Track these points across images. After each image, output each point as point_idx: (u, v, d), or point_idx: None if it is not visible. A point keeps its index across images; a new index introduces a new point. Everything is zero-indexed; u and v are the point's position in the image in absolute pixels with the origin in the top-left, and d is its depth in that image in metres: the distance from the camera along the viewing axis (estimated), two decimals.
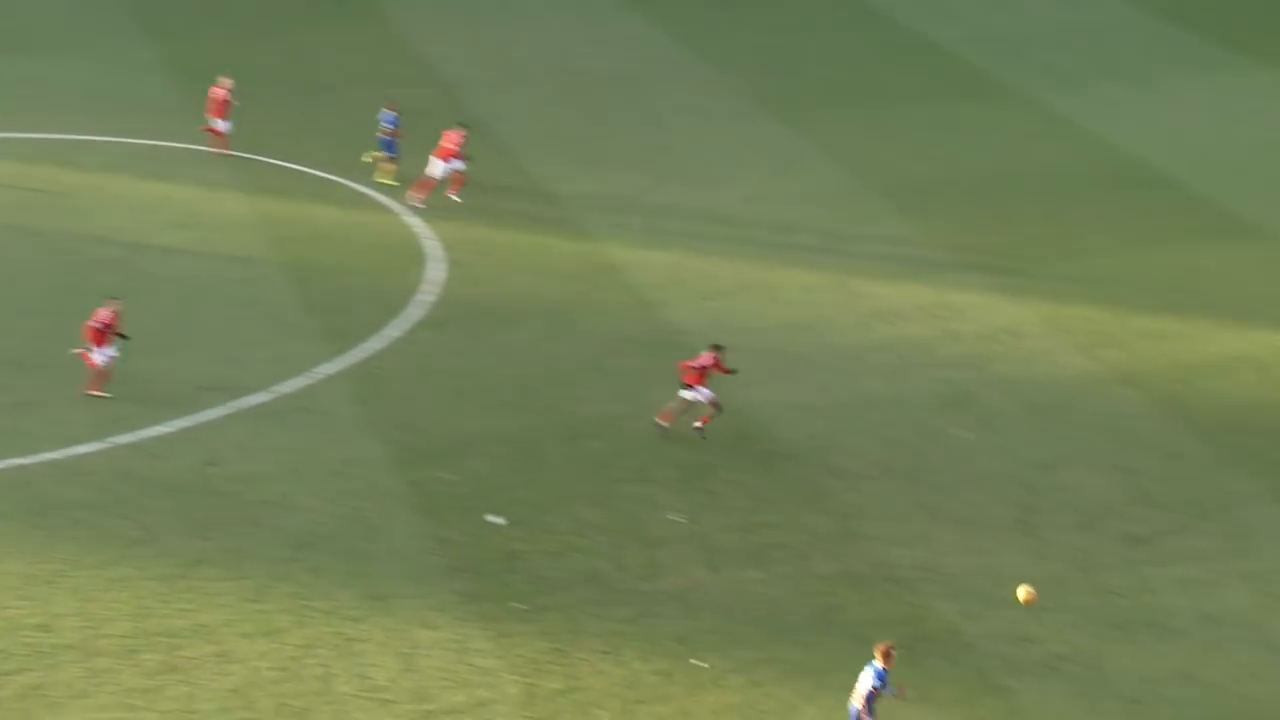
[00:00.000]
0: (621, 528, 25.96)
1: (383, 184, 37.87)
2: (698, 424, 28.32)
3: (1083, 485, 27.18)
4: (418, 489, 26.82)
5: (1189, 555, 25.10)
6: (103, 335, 28.75)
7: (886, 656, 20.63)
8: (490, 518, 26.12)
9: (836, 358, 31.29)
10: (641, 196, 38.28)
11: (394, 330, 31.97)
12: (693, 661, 23.01)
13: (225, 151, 39.23)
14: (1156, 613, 23.88)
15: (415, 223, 36.53)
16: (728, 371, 28.35)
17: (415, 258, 34.94)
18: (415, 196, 37.12)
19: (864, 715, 20.60)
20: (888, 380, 30.20)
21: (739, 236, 36.45)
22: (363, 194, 37.81)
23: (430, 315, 32.63)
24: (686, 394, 28.13)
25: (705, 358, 28.29)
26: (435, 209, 36.82)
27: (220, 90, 39.18)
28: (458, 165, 37.17)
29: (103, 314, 28.93)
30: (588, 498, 26.70)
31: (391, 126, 38.35)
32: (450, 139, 37.18)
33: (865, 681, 20.63)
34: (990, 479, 27.43)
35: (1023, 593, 21.13)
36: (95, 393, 28.74)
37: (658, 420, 28.36)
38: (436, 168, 37.03)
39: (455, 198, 37.25)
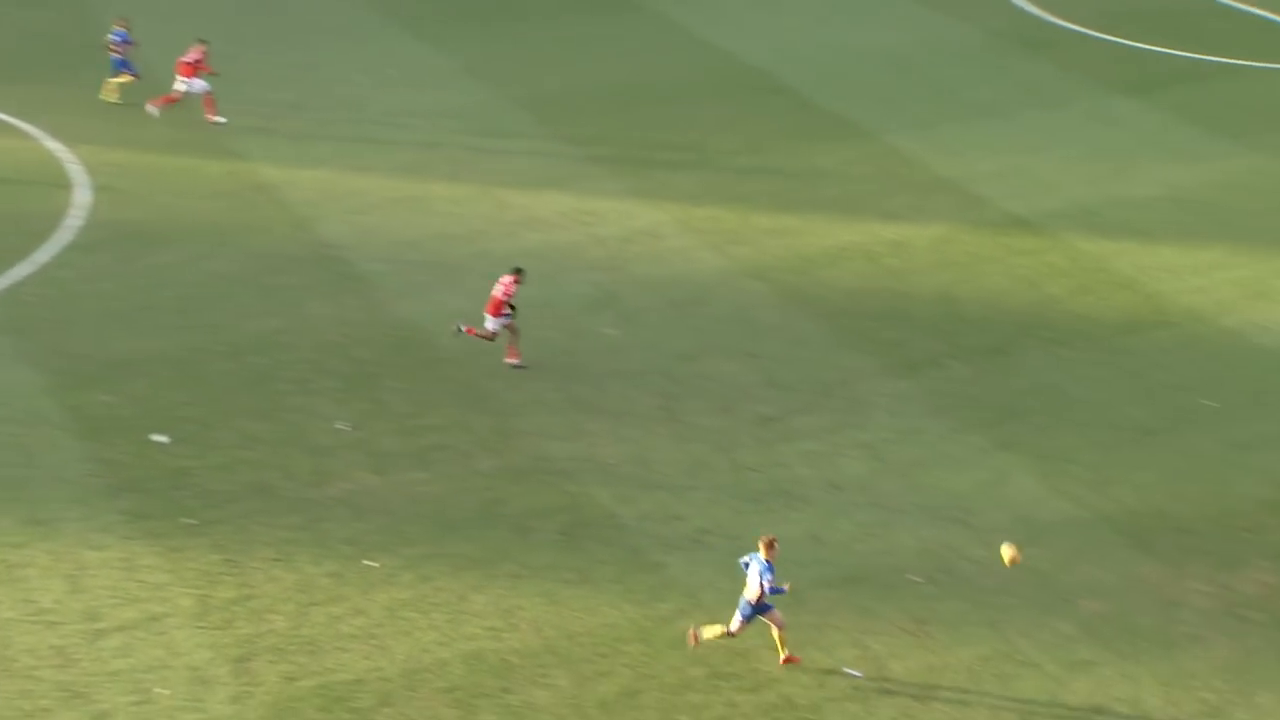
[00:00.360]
0: (287, 439, 25.65)
1: (108, 100, 36.20)
2: (514, 353, 27.57)
3: (719, 373, 28.13)
4: (77, 413, 25.86)
5: (813, 430, 26.34)
6: None
7: (770, 548, 20.72)
8: (154, 437, 25.43)
9: (489, 265, 31.39)
10: (288, 116, 37.44)
11: (42, 255, 30.55)
12: (365, 562, 23.03)
13: None
14: (787, 484, 25.03)
15: (57, 148, 34.84)
16: (509, 304, 27.50)
17: (60, 182, 33.37)
18: (154, 106, 35.61)
19: (754, 609, 20.58)
20: (538, 285, 30.47)
21: (386, 153, 36.06)
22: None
23: (79, 239, 31.29)
24: (495, 324, 27.42)
25: (505, 282, 27.55)
26: (77, 134, 35.20)
27: None
28: (202, 85, 35.83)
29: None
30: (252, 412, 26.26)
31: (120, 41, 36.46)
32: (190, 54, 35.82)
33: (754, 575, 20.71)
34: (636, 372, 28.13)
35: (1007, 553, 21.19)
36: None
37: (507, 360, 27.66)
38: (181, 84, 35.63)
39: (218, 120, 35.81)
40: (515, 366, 27.77)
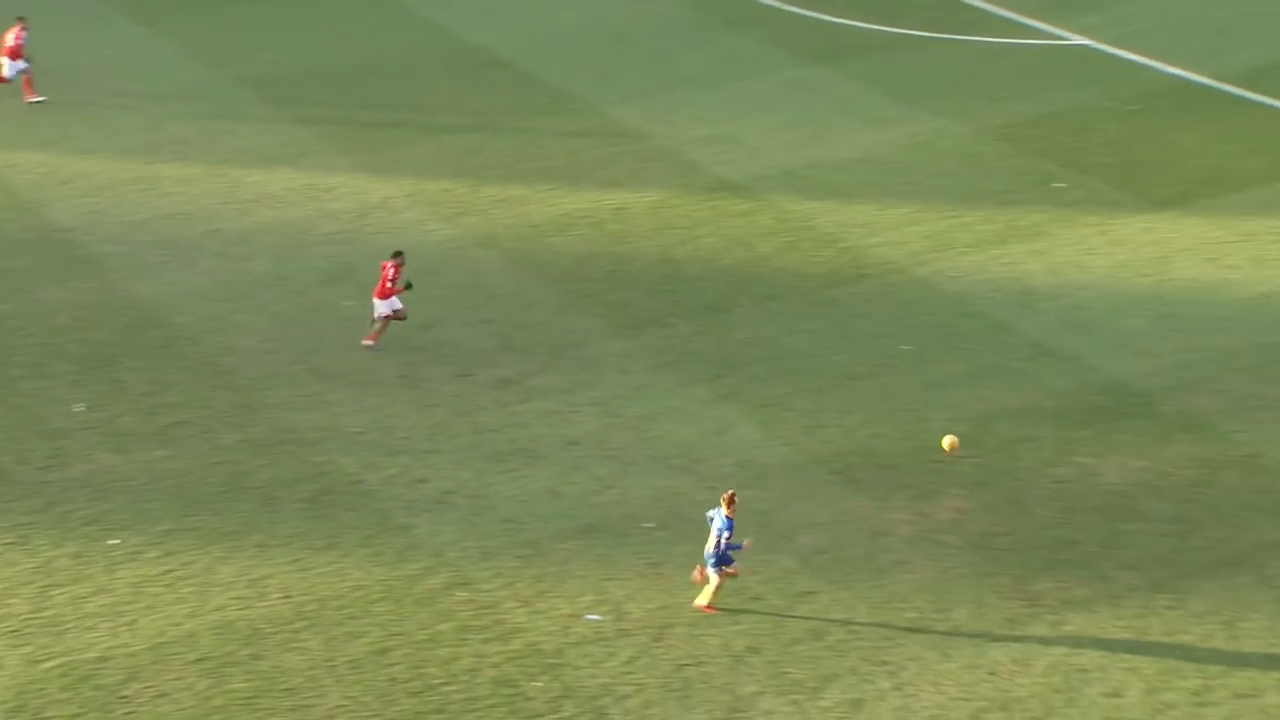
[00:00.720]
0: (21, 423, 24.51)
1: None
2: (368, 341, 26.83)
3: (457, 339, 27.96)
4: None
5: (549, 390, 26.44)
6: None
7: (730, 504, 20.60)
8: None
9: (223, 243, 30.53)
10: (6, 98, 35.57)
11: None
12: (108, 542, 22.21)
13: None
14: (526, 443, 25.08)
15: None
16: (396, 286, 26.73)
17: None
18: None
19: (717, 559, 20.56)
20: (274, 260, 29.80)
21: (110, 135, 34.65)
22: None
23: None
24: (385, 306, 26.62)
25: (386, 265, 26.65)
26: None
27: None
28: (22, 66, 33.56)
29: None
30: None
31: None
32: (9, 35, 33.56)
33: (714, 531, 20.60)
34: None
35: (947, 442, 21.24)
36: None
37: (364, 342, 26.74)
38: (3, 67, 33.38)
39: (37, 99, 33.50)
40: (369, 348, 27.03)
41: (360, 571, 22.07)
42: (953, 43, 39.08)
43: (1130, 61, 36.86)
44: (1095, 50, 37.64)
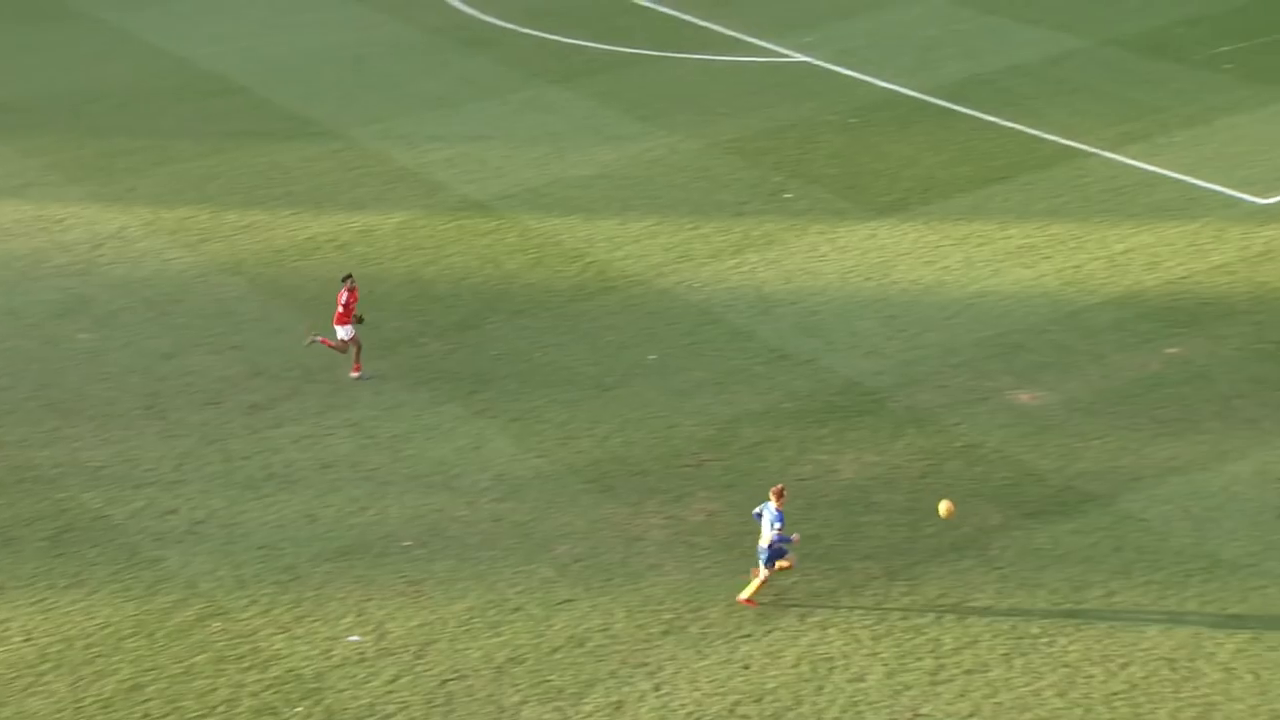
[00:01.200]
0: None
1: None
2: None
3: (204, 367, 27.11)
4: None
5: (301, 414, 25.85)
6: None
7: (779, 497, 20.62)
8: None
9: None
10: None
11: None
12: None
13: None
14: (279, 468, 24.45)
15: None
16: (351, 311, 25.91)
17: None
18: None
19: (770, 554, 20.63)
20: (4, 294, 28.40)
21: None
22: None
23: None
24: (344, 333, 25.76)
25: (342, 295, 25.76)
26: None
27: None
28: None
29: None
30: None
31: None
32: None
33: (767, 523, 20.63)
34: (117, 374, 26.68)
35: (943, 508, 21.08)
36: None
37: (352, 374, 25.99)
38: None
39: None
40: (359, 378, 26.24)
41: (109, 608, 21.16)
42: (682, 61, 39.79)
43: (847, 76, 38.13)
44: (815, 66, 38.82)
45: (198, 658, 20.43)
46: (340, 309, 26.39)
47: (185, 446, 24.79)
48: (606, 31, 41.69)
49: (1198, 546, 21.93)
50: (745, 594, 21.24)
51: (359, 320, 26.48)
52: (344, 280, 26.59)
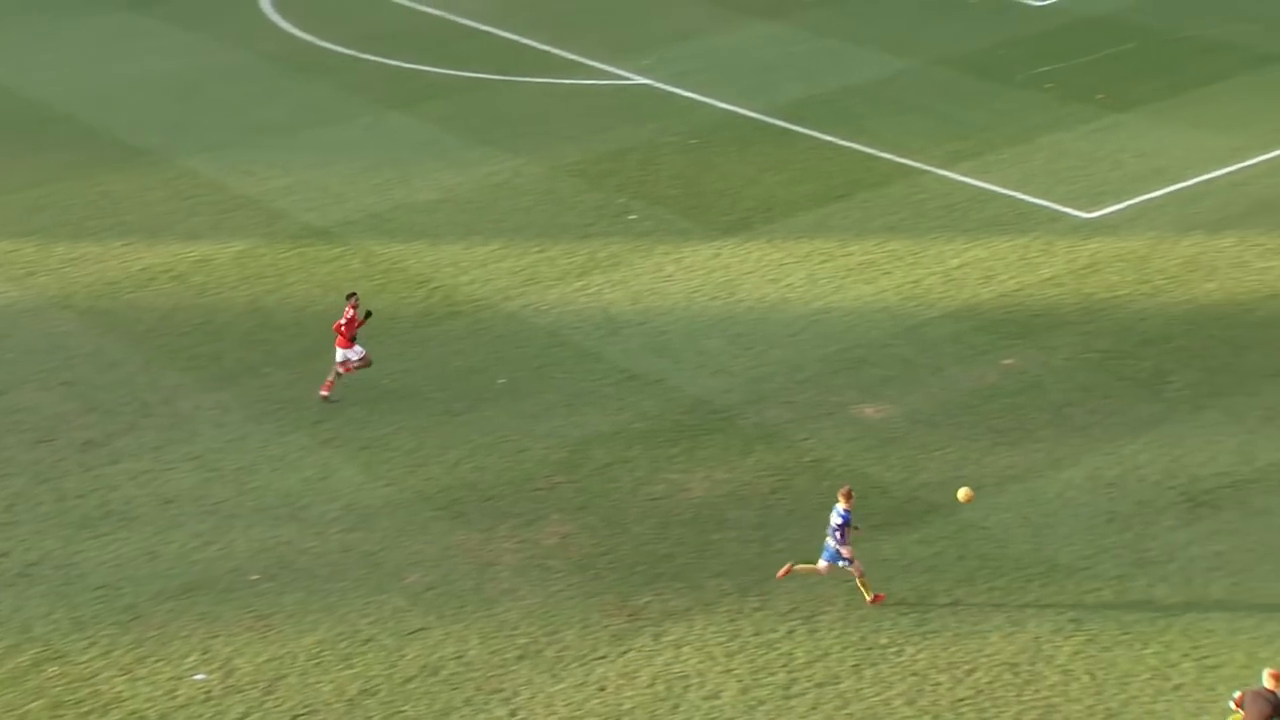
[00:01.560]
0: None
1: None
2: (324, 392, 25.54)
3: (34, 404, 26.21)
4: None
5: (139, 450, 25.10)
6: None
7: (848, 498, 21.05)
8: None
9: None
10: None
11: None
12: None
13: None
14: (117, 505, 23.70)
15: None
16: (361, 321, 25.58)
17: None
18: None
19: (839, 549, 21.04)
20: None
21: None
22: None
23: None
24: (354, 352, 25.36)
25: (348, 312, 25.33)
26: None
27: None
28: None
29: None
30: None
31: None
32: None
33: (835, 520, 21.02)
34: None
35: (962, 494, 21.47)
36: None
37: (321, 392, 25.37)
38: None
39: None
40: (326, 399, 25.70)
41: None
42: (523, 85, 39.71)
43: (687, 98, 38.41)
44: (654, 89, 39.05)
45: (33, 704, 19.66)
46: (345, 327, 26.07)
47: (16, 486, 23.89)
48: (446, 56, 41.45)
49: (1036, 552, 22.41)
50: (867, 597, 21.47)
51: (368, 315, 26.39)
52: (348, 298, 26.44)
